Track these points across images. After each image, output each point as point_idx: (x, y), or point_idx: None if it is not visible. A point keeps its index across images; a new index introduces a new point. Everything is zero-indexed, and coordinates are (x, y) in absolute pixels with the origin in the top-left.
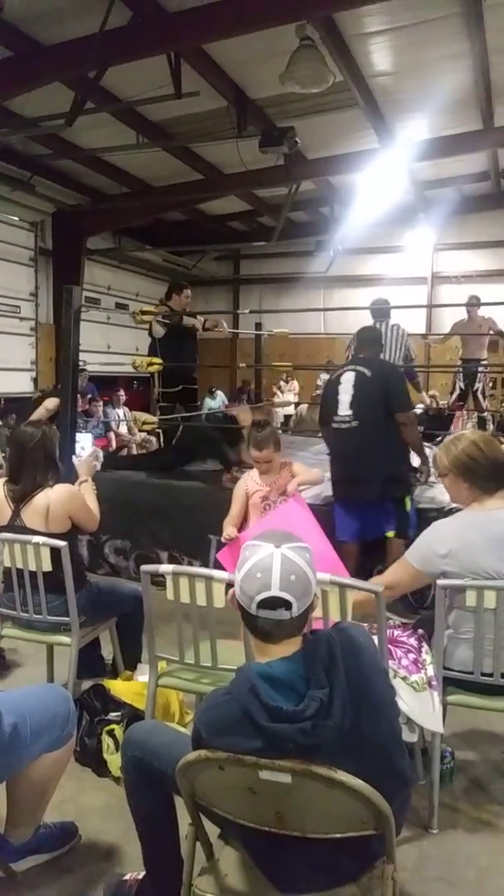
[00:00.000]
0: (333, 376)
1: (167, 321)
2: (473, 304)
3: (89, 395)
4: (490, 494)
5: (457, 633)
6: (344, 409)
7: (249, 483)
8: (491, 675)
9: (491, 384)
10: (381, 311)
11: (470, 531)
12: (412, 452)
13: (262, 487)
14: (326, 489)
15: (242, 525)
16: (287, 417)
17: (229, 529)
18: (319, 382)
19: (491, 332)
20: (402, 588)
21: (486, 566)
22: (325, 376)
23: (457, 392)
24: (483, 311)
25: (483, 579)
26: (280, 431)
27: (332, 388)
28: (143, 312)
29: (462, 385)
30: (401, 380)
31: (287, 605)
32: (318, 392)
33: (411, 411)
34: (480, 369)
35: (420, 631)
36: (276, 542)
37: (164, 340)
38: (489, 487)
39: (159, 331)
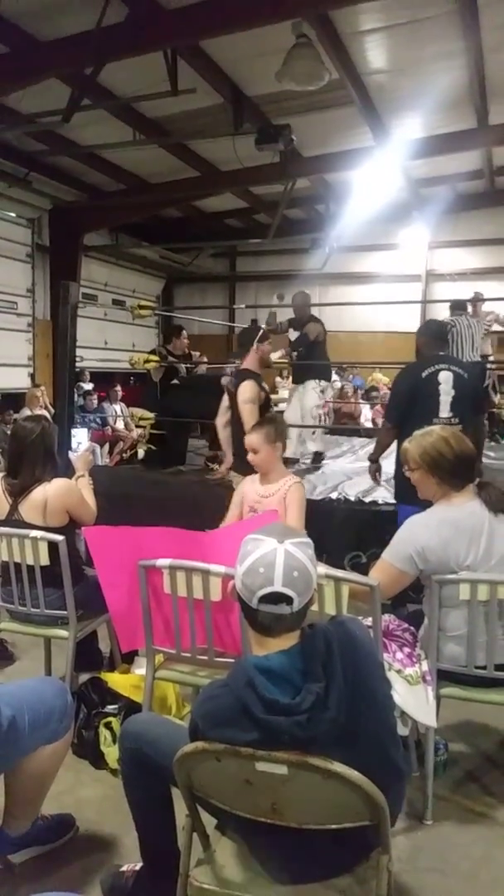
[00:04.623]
0: (424, 374)
1: (164, 365)
2: (478, 299)
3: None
4: (458, 490)
5: (443, 630)
6: (446, 411)
7: (247, 488)
8: (484, 667)
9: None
10: (458, 303)
11: (445, 527)
12: None
13: (256, 499)
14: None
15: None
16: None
17: None
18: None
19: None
20: (385, 590)
21: (462, 560)
22: None
23: None
24: (486, 306)
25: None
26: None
27: (427, 386)
28: (141, 307)
29: None
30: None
31: (289, 600)
32: None
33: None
34: (489, 366)
35: (412, 627)
36: (279, 536)
37: (163, 381)
38: (457, 483)
39: (157, 373)
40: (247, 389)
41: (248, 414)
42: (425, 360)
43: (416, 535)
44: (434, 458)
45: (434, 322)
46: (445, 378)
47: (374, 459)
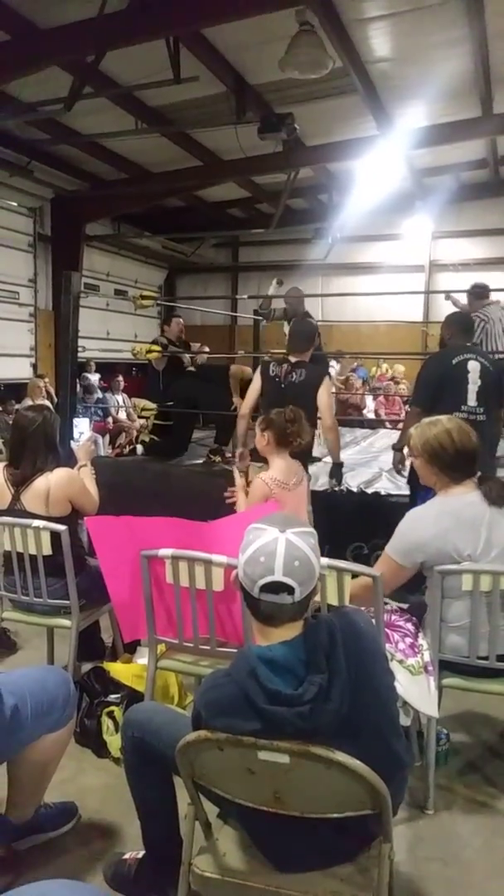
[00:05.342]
0: (454, 361)
1: (166, 355)
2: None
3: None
4: (458, 482)
5: (445, 621)
6: (473, 400)
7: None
8: (486, 658)
9: None
10: (481, 290)
11: (444, 517)
12: None
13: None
14: None
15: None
16: None
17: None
18: None
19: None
20: (386, 584)
21: (461, 550)
22: None
23: None
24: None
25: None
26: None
27: (456, 373)
28: (143, 297)
29: None
30: None
31: (290, 590)
32: None
33: None
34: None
35: (414, 618)
36: (281, 526)
37: (165, 371)
38: (456, 477)
39: (160, 363)
40: (330, 385)
41: (329, 407)
42: (454, 349)
43: (415, 528)
44: (434, 449)
45: (460, 314)
46: (474, 367)
47: (401, 448)
